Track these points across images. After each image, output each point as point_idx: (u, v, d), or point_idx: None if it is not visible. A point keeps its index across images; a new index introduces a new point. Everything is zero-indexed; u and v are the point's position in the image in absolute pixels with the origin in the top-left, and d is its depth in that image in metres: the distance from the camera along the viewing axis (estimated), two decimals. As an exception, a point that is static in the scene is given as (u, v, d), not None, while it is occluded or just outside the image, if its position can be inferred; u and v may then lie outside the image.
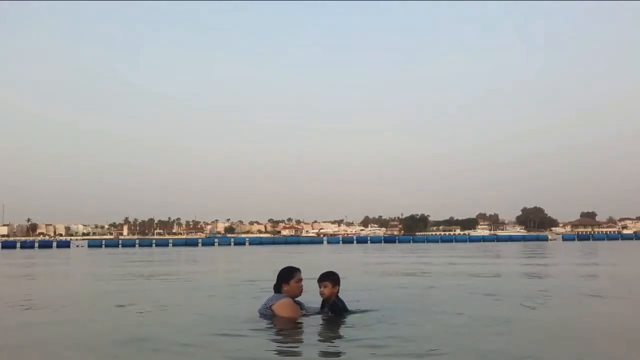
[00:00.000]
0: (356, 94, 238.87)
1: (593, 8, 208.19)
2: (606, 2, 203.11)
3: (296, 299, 5.32)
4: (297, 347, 4.27)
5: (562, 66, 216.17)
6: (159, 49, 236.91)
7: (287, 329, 4.85)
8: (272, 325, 4.92)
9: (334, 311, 5.23)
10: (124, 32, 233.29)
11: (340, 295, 5.36)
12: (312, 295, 5.50)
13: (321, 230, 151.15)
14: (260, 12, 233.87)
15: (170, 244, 55.81)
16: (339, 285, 5.30)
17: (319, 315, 5.26)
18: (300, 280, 5.26)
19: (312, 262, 18.57)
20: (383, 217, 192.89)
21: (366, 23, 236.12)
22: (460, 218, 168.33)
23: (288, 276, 5.24)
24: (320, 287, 5.27)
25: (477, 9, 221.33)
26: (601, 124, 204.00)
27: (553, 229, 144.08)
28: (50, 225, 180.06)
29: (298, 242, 62.03)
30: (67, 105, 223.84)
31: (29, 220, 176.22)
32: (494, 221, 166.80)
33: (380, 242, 61.46)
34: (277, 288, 5.30)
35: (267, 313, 5.17)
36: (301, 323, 4.99)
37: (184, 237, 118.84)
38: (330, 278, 5.26)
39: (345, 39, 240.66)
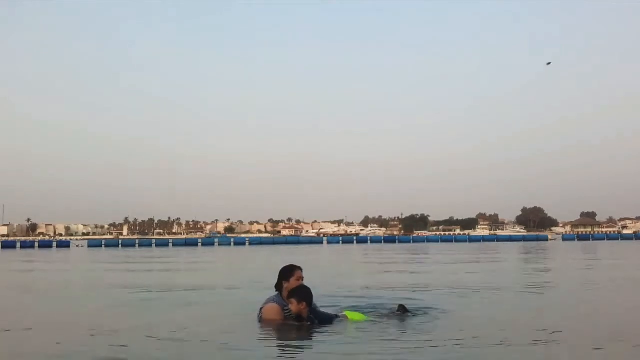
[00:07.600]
0: (356, 94, 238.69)
1: (596, 8, 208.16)
2: (608, 2, 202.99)
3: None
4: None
5: (562, 67, 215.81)
6: (159, 50, 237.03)
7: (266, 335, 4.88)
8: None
9: (313, 321, 4.96)
10: (124, 33, 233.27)
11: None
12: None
13: (321, 230, 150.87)
14: (260, 12, 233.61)
15: (170, 244, 55.85)
16: (306, 302, 4.97)
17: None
18: (300, 278, 5.21)
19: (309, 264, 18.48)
20: (383, 217, 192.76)
21: (366, 22, 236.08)
22: (460, 218, 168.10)
23: (289, 274, 5.23)
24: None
25: (475, 8, 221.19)
26: (601, 124, 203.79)
27: (553, 229, 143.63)
28: (50, 225, 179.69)
29: (298, 242, 61.98)
30: (67, 106, 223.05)
31: (29, 220, 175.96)
32: (494, 221, 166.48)
33: (381, 242, 61.57)
34: (278, 286, 5.27)
35: (259, 316, 5.20)
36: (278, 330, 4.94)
37: (184, 237, 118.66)
38: (294, 295, 5.02)
39: (344, 39, 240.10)
